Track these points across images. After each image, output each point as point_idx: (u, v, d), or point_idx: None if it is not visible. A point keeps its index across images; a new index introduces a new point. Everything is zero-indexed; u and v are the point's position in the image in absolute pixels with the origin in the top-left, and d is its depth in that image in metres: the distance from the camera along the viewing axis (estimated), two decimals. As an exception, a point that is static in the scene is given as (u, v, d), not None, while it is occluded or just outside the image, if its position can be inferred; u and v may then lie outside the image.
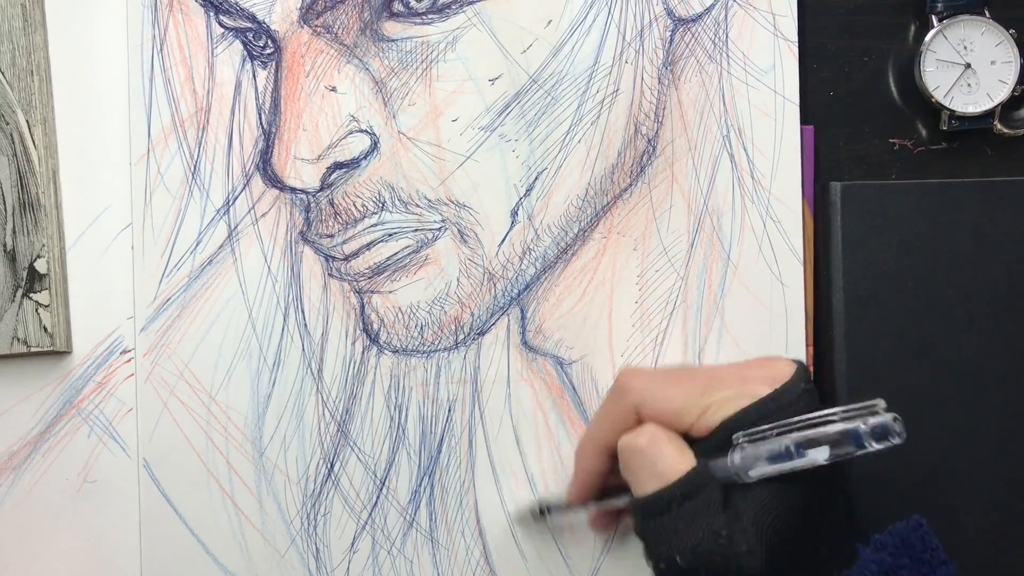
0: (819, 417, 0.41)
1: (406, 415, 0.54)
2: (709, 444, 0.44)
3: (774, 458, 0.41)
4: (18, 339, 0.53)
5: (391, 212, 0.54)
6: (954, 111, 0.56)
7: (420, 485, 0.54)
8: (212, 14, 0.54)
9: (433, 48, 0.54)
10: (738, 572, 0.43)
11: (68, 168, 0.54)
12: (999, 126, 0.56)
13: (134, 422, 0.53)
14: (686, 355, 0.54)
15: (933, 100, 0.56)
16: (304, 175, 0.54)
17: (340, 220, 0.54)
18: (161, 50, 0.54)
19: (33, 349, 0.53)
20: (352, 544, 0.54)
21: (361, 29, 0.54)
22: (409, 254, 0.54)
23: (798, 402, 0.44)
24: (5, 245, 0.53)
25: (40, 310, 0.53)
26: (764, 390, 0.44)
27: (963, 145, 0.57)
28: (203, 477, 0.53)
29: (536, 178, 0.54)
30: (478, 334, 0.55)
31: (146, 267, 0.54)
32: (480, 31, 0.54)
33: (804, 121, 0.55)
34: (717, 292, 0.54)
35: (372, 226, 0.54)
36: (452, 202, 0.54)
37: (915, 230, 0.55)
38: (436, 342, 0.54)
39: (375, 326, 0.54)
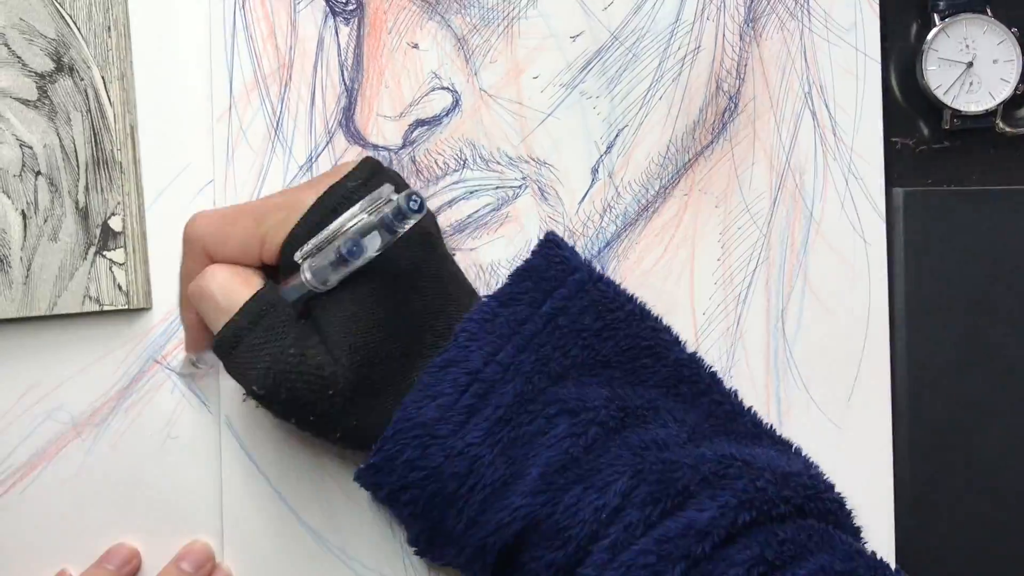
0: (351, 219, 0.43)
1: (487, 372, 0.54)
2: (284, 268, 0.45)
3: (335, 264, 0.43)
4: (90, 297, 0.53)
5: (472, 170, 0.54)
6: (956, 110, 0.56)
7: (502, 442, 0.54)
8: (298, -31, 0.54)
9: (515, 5, 0.54)
10: (320, 384, 0.43)
11: (149, 125, 0.54)
12: (1001, 125, 0.56)
13: (216, 378, 0.54)
14: (769, 312, 0.54)
15: (935, 99, 0.55)
16: (386, 132, 0.54)
17: (422, 177, 0.54)
18: (243, 6, 0.54)
19: (106, 307, 0.53)
20: (434, 500, 0.54)
21: (446, -16, 0.54)
22: (490, 212, 0.54)
23: (349, 201, 0.44)
24: (77, 202, 0.53)
25: (114, 268, 0.53)
26: (311, 199, 0.45)
27: (965, 144, 0.57)
28: (285, 433, 0.53)
29: (617, 135, 0.54)
30: (558, 292, 0.54)
31: (228, 224, 0.54)
32: (561, -12, 0.54)
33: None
34: (800, 249, 0.54)
35: (453, 183, 0.54)
36: (533, 159, 0.54)
37: (979, 237, 0.55)
38: (517, 299, 0.54)
39: (456, 283, 0.54)
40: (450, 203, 0.54)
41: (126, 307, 0.53)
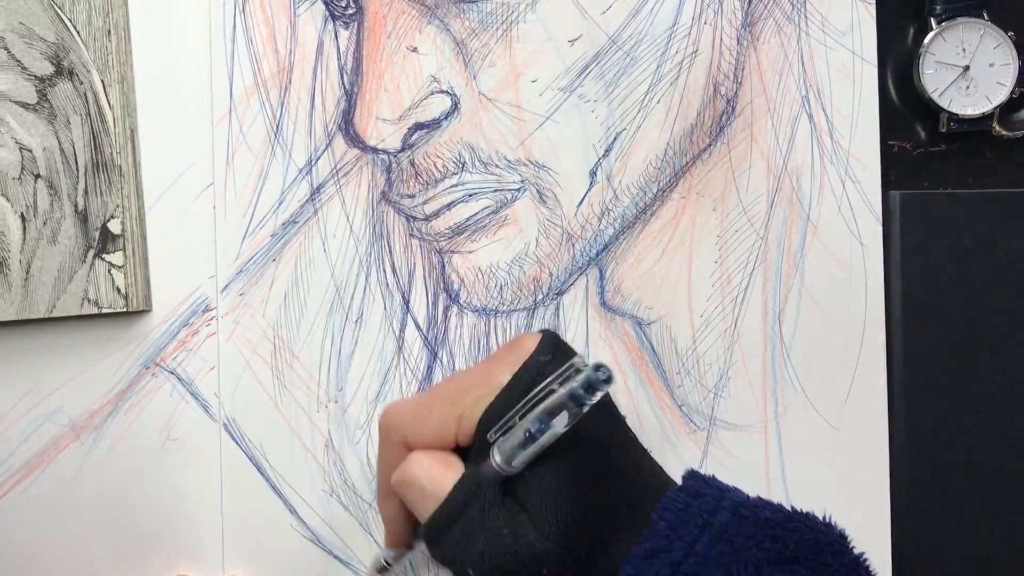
0: (544, 391, 0.42)
1: (486, 374, 0.54)
2: (479, 448, 0.44)
3: (524, 443, 0.41)
4: (88, 300, 0.53)
5: (471, 173, 0.54)
6: (953, 113, 0.56)
7: (501, 443, 0.54)
8: (298, -28, 0.54)
9: (513, 9, 0.54)
10: (534, 563, 0.42)
11: (148, 128, 0.54)
12: (998, 128, 0.56)
13: (216, 380, 0.54)
14: (766, 314, 0.54)
15: (932, 102, 0.56)
16: (386, 135, 0.54)
17: (421, 180, 0.54)
18: (243, 9, 0.54)
19: (104, 310, 0.53)
20: (433, 502, 0.54)
21: (446, -12, 0.54)
22: (488, 214, 0.54)
23: (542, 376, 0.43)
24: (76, 205, 0.53)
25: (113, 271, 0.53)
26: (507, 377, 0.44)
27: (962, 147, 0.57)
28: (285, 435, 0.54)
29: (615, 139, 0.55)
30: (557, 294, 0.55)
31: (228, 226, 0.54)
32: (559, -8, 0.54)
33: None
34: (796, 252, 0.55)
35: (452, 186, 0.54)
36: (531, 163, 0.54)
37: (976, 240, 0.55)
38: (515, 302, 0.55)
39: (455, 286, 0.54)
40: (449, 206, 0.54)
41: (125, 310, 0.53)
